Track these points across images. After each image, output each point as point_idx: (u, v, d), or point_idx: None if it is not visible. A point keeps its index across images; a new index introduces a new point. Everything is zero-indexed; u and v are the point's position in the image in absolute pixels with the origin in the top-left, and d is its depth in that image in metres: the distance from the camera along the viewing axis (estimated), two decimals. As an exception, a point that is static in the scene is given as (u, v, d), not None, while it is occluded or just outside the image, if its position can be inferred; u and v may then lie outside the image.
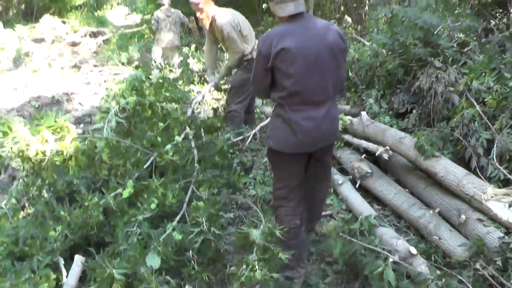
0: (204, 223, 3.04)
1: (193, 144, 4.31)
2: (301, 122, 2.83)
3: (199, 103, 5.78)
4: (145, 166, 3.79)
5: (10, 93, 8.44)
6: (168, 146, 3.82)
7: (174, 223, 3.24)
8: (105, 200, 3.32)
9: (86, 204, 3.24)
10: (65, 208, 3.28)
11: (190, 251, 2.98)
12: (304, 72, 2.75)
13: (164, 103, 4.67)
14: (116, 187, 3.48)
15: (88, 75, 9.84)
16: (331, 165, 3.56)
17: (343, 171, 4.71)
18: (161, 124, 4.32)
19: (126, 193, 3.40)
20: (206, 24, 5.36)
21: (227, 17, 5.19)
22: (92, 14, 34.59)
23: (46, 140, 3.70)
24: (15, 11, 23.74)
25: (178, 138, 4.02)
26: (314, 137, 2.90)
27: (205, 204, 3.25)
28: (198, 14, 5.33)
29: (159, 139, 4.06)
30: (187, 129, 4.55)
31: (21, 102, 7.96)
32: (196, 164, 4.02)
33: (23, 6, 24.03)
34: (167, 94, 4.84)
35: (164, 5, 9.88)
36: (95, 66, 10.65)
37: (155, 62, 9.24)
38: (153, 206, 3.33)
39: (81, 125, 6.81)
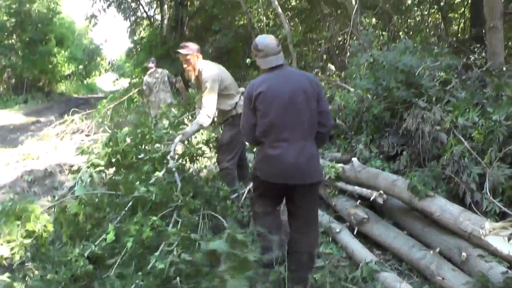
0: (175, 249, 3.11)
1: (177, 177, 4.34)
2: (277, 154, 3.17)
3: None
4: (126, 208, 3.84)
5: (2, 168, 8.42)
6: (142, 187, 3.88)
7: (157, 253, 3.22)
8: (90, 248, 3.38)
9: (70, 257, 3.29)
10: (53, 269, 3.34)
11: (177, 278, 2.97)
12: (278, 111, 3.16)
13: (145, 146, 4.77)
14: (100, 234, 3.56)
15: (81, 143, 9.86)
16: (315, 219, 3.45)
17: (340, 218, 4.69)
18: (144, 166, 4.42)
19: (109, 238, 3.45)
20: (192, 76, 5.38)
21: (213, 71, 5.19)
22: (81, 82, 35.27)
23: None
24: (5, 86, 24.02)
25: (159, 174, 4.19)
26: (289, 170, 3.16)
27: (176, 229, 3.36)
28: (185, 66, 5.34)
29: (137, 180, 4.16)
30: (170, 163, 4.57)
31: (13, 177, 7.93)
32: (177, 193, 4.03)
33: (13, 81, 24.34)
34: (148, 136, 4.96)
35: (151, 67, 10.10)
36: (87, 135, 10.69)
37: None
38: (129, 244, 3.34)
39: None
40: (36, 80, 26.24)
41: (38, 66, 24.77)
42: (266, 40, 3.41)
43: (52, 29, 26.21)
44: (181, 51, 5.24)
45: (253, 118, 3.27)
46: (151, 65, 10.14)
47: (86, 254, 3.32)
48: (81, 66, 33.38)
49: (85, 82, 36.20)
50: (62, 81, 30.44)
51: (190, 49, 5.21)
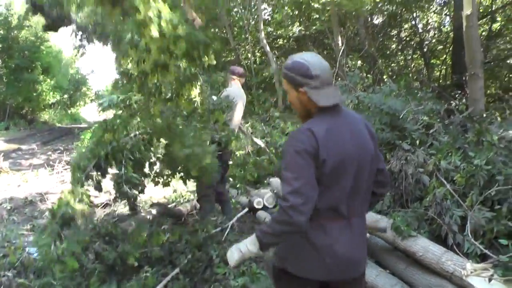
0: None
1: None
2: (329, 243, 2.18)
3: None
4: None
5: (-19, 196, 8.32)
6: None
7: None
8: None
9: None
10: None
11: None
12: (346, 181, 2.15)
13: None
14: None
15: (62, 173, 9.81)
16: None
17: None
18: None
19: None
20: None
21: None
22: (65, 111, 35.16)
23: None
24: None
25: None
26: (344, 262, 2.22)
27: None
28: None
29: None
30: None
31: (-7, 205, 7.84)
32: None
33: (-5, 107, 24.18)
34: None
35: None
36: (67, 163, 10.61)
37: None
38: None
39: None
40: (20, 107, 26.14)
41: (23, 93, 24.69)
42: (318, 61, 2.19)
43: (39, 57, 26.25)
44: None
45: (316, 184, 2.07)
46: None
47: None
48: (66, 96, 33.38)
49: (69, 111, 36.11)
50: (46, 109, 30.34)
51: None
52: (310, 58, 2.18)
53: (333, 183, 2.11)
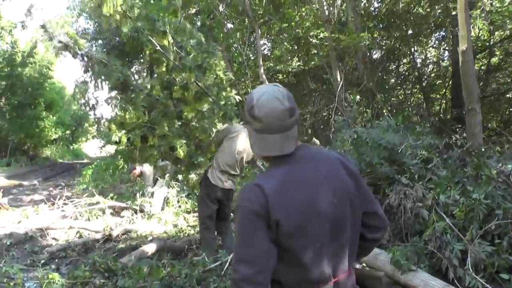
0: None
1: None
2: None
3: None
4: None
5: (-19, 231, 8.29)
6: None
7: None
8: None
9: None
10: None
11: None
12: (317, 244, 1.78)
13: None
14: None
15: (63, 208, 9.79)
16: None
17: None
18: None
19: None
20: None
21: None
22: (67, 147, 35.29)
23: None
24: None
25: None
26: None
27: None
28: None
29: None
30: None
31: (-8, 240, 7.82)
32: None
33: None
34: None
35: None
36: (68, 198, 10.62)
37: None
38: None
39: (56, 260, 6.71)
40: (21, 143, 26.24)
41: (25, 129, 24.82)
42: (269, 100, 1.80)
43: (42, 93, 26.49)
44: None
45: (272, 250, 1.73)
46: None
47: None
48: (68, 132, 33.55)
49: (71, 147, 36.27)
50: (48, 145, 30.44)
51: None
52: (262, 95, 1.81)
53: (301, 243, 1.75)
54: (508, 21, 10.50)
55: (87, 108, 7.58)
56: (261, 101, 1.79)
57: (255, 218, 1.71)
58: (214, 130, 5.66)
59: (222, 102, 5.68)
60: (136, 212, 8.90)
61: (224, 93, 5.75)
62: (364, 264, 4.22)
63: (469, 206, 4.20)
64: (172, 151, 6.26)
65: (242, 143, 5.65)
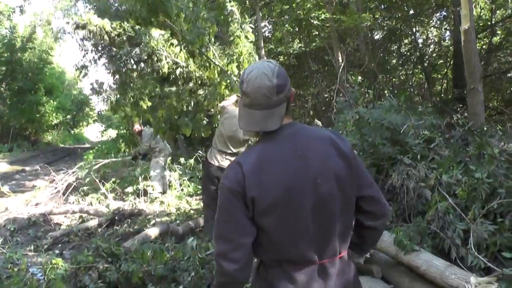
0: None
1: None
2: None
3: None
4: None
5: (-15, 217, 8.33)
6: None
7: None
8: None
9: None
10: None
11: None
12: (295, 221, 1.77)
13: None
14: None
15: (65, 193, 9.80)
16: None
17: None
18: None
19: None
20: None
21: None
22: (68, 132, 35.31)
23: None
24: (-10, 134, 23.94)
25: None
26: None
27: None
28: None
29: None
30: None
31: (-4, 225, 7.86)
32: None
33: (-1, 128, 24.26)
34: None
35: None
36: (70, 185, 10.61)
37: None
38: None
39: (59, 246, 6.75)
40: (23, 128, 26.25)
41: (26, 115, 24.82)
42: (256, 76, 1.81)
43: (42, 78, 26.44)
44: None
45: (249, 228, 1.78)
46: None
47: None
48: (69, 116, 33.54)
49: (72, 132, 36.27)
50: (49, 130, 30.47)
51: None
52: (251, 70, 1.83)
53: (276, 222, 1.75)
54: (509, 0, 10.41)
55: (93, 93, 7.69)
56: (249, 76, 1.81)
57: (232, 196, 1.75)
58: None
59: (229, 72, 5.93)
60: (138, 196, 8.92)
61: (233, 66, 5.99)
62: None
63: (471, 185, 4.19)
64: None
65: (233, 123, 5.63)
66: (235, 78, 6.72)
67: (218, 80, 6.82)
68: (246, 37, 7.06)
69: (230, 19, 7.24)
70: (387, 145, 5.23)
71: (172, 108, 6.66)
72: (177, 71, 6.86)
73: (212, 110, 7.22)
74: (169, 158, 10.39)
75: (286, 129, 1.84)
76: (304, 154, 1.78)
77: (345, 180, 1.81)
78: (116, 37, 6.55)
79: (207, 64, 6.89)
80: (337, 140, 1.87)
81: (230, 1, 7.60)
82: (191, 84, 7.02)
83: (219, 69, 6.77)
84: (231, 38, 7.22)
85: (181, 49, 6.81)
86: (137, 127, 10.12)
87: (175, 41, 6.88)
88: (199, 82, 7.08)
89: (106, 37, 6.41)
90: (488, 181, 4.07)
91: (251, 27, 7.67)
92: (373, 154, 5.43)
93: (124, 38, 6.61)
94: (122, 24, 6.69)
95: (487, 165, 4.29)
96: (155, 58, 6.63)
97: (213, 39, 7.25)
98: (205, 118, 7.50)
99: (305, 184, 1.75)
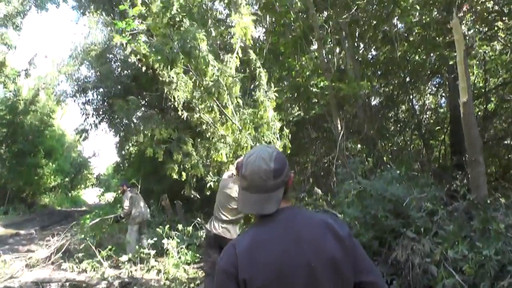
0: None
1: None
2: None
3: None
4: None
5: (-26, 285, 8.11)
6: None
7: None
8: None
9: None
10: None
11: None
12: None
13: None
14: None
15: (59, 260, 9.61)
16: None
17: None
18: None
19: None
20: None
21: None
22: (66, 195, 35.09)
23: None
24: (-13, 195, 23.76)
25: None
26: None
27: None
28: None
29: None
30: None
31: (-12, 295, 7.64)
32: None
33: (-5, 190, 24.08)
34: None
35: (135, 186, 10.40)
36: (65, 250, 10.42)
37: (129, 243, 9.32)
38: None
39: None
40: (20, 191, 26.07)
41: (24, 177, 24.74)
42: (254, 160, 1.89)
43: (42, 141, 26.59)
44: None
45: None
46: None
47: None
48: (67, 179, 33.47)
49: (69, 194, 36.09)
50: (47, 193, 30.27)
51: None
52: (250, 155, 1.91)
53: None
54: (500, 69, 10.62)
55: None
56: (248, 160, 1.89)
57: (226, 277, 1.76)
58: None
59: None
60: (135, 264, 8.74)
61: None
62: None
63: (479, 262, 4.12)
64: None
65: (222, 195, 5.92)
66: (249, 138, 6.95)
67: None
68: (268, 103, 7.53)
69: (257, 83, 7.70)
70: (390, 217, 5.18)
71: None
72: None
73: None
74: (168, 225, 10.36)
75: (283, 213, 1.86)
76: (298, 238, 1.79)
77: (341, 264, 1.79)
78: None
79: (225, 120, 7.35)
80: (334, 224, 1.88)
81: (259, 67, 7.97)
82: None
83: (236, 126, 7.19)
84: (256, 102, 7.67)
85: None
86: (123, 185, 10.46)
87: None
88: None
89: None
90: (496, 258, 3.99)
91: (276, 95, 8.08)
92: (375, 227, 5.36)
93: None
94: None
95: (494, 241, 4.22)
96: None
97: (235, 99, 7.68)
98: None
99: (298, 267, 1.74)
